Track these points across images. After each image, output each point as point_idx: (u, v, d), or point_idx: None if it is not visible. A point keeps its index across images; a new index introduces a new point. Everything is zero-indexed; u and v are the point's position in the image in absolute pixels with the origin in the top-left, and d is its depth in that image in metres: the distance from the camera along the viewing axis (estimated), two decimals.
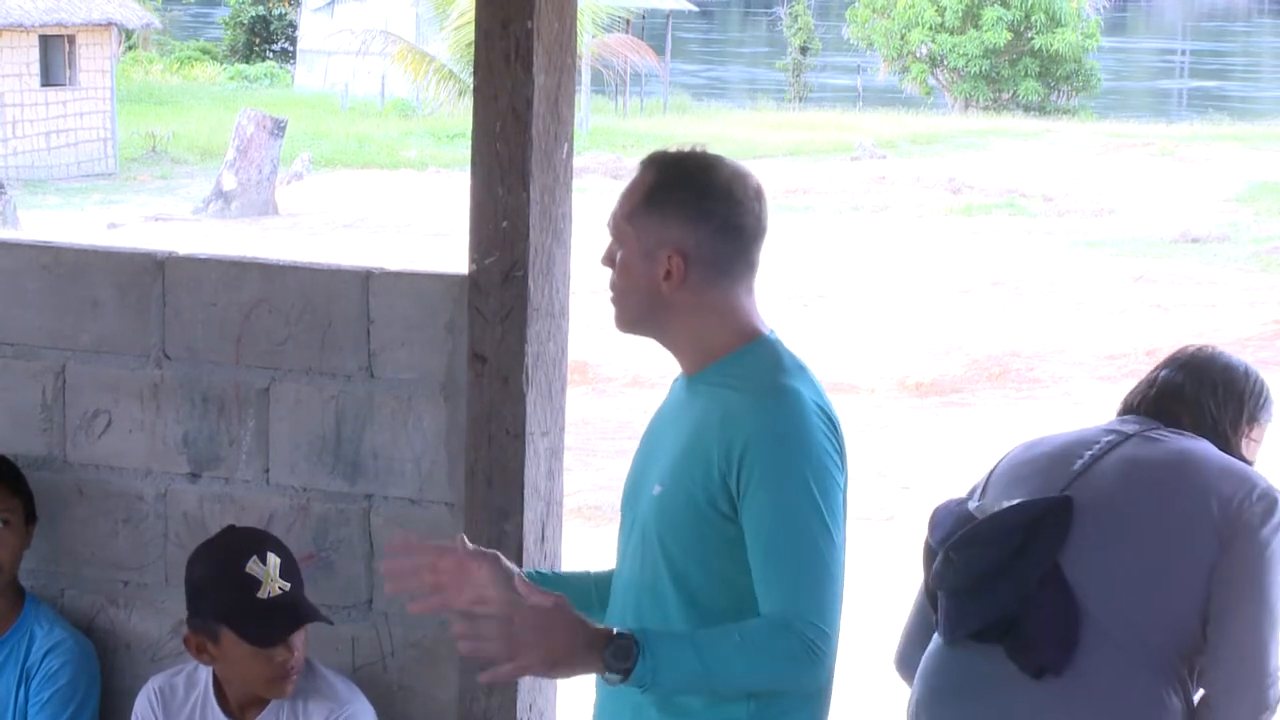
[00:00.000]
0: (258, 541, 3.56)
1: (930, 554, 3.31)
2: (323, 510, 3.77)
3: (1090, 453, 3.28)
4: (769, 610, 2.72)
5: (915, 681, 3.37)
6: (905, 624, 3.50)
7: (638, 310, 2.89)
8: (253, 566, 3.47)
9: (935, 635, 3.34)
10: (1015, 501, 3.23)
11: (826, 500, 2.75)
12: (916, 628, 3.45)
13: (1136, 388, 3.44)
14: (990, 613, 3.19)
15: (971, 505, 3.29)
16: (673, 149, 2.92)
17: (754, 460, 2.74)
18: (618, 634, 2.68)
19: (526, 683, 3.63)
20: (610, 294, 2.91)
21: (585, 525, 9.58)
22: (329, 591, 3.75)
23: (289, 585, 3.51)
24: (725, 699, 2.79)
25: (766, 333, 2.89)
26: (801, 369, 2.84)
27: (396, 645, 3.75)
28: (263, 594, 3.47)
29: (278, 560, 3.51)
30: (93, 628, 3.93)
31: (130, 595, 3.91)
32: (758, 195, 2.88)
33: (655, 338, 2.93)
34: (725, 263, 2.85)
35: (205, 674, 3.63)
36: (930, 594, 3.35)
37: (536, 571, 3.10)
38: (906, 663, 3.46)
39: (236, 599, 3.46)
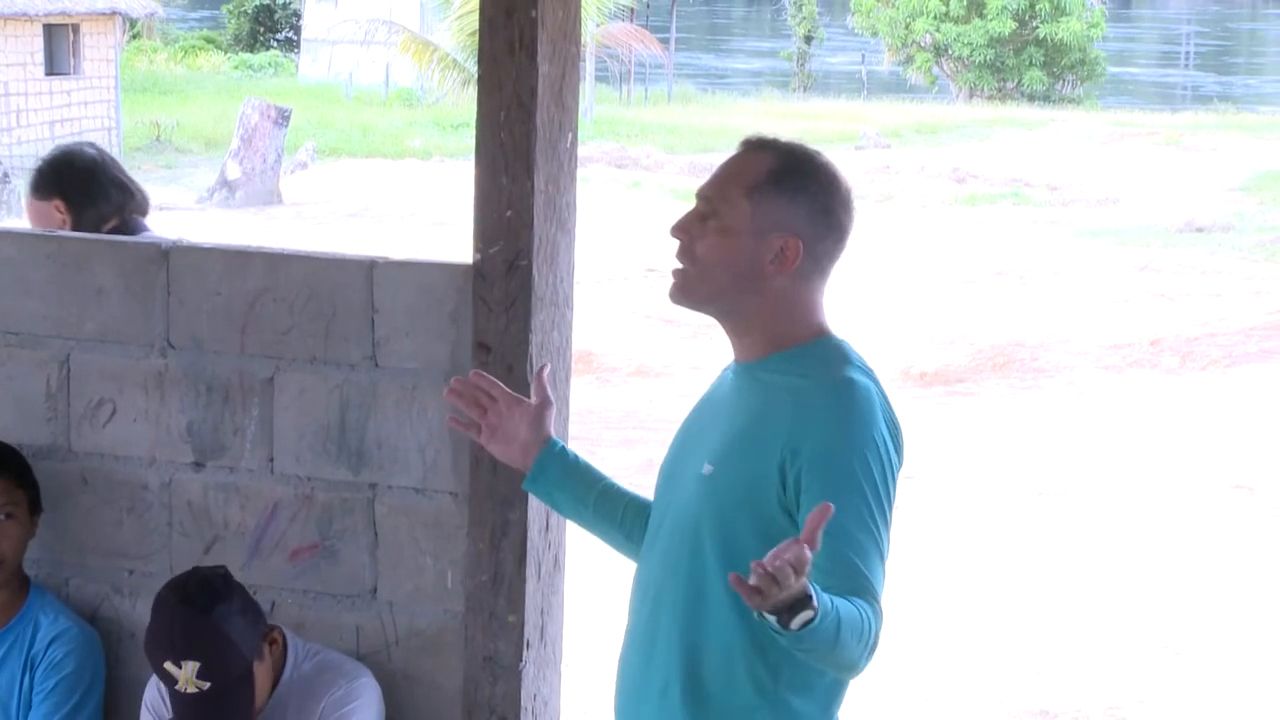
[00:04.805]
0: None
1: None
2: (327, 499, 3.77)
3: None
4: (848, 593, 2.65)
5: None
6: None
7: (722, 283, 2.85)
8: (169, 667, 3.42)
9: None
10: None
11: (881, 497, 2.74)
12: None
13: None
14: None
15: None
16: (779, 138, 2.91)
17: (815, 447, 2.73)
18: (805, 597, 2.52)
19: (531, 672, 3.64)
20: (682, 263, 2.86)
21: None
22: (333, 581, 3.76)
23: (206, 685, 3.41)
24: (738, 682, 2.80)
25: (833, 333, 2.91)
26: (869, 369, 2.86)
27: (400, 634, 3.75)
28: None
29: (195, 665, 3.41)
30: (97, 616, 3.93)
31: (135, 584, 3.91)
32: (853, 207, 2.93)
33: (722, 315, 2.90)
34: (827, 262, 2.88)
35: None
36: None
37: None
38: None
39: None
